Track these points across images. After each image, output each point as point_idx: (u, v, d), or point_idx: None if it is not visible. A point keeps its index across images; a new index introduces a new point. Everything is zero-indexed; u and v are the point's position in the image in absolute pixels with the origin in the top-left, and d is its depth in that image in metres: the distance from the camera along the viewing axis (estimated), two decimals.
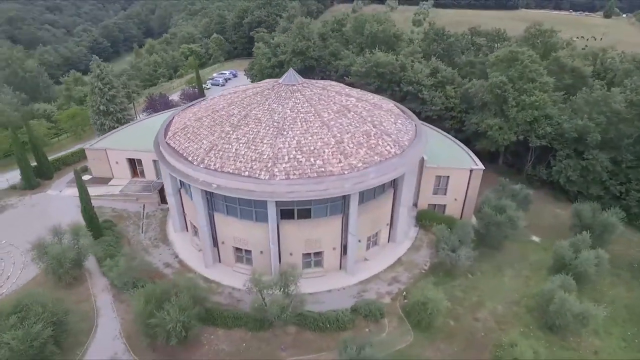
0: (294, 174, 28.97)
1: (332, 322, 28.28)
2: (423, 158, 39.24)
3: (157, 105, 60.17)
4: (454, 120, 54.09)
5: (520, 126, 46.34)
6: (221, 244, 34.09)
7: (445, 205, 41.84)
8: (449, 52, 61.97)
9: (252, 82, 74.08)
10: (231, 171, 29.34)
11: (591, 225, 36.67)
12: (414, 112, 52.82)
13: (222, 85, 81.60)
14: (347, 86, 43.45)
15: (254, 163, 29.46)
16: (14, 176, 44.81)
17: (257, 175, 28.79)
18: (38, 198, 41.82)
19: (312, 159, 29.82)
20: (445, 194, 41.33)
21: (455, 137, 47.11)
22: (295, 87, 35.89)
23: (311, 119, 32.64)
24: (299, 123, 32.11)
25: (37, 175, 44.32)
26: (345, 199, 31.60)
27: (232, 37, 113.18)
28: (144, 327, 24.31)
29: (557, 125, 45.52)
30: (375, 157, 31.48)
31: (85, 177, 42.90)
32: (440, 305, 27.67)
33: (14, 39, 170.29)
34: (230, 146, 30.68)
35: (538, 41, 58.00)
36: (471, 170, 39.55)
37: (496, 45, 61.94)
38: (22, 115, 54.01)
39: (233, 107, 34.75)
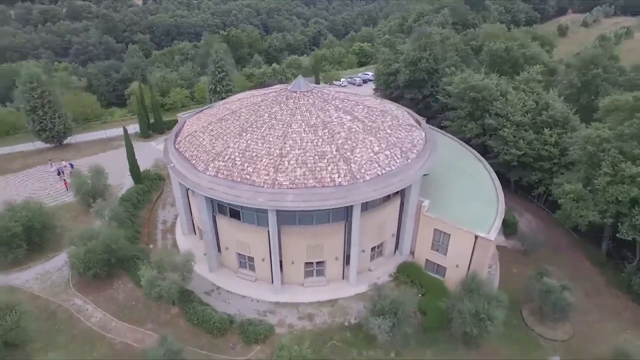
0: (294, 184, 28.74)
1: (207, 322, 28.85)
2: (420, 202, 33.19)
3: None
4: (542, 175, 41.54)
5: (610, 205, 32.21)
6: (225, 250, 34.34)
7: (445, 269, 34.12)
8: (589, 86, 46.24)
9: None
10: (235, 179, 29.43)
11: None
12: (493, 151, 43.85)
13: (358, 85, 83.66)
14: (359, 95, 39.99)
15: (255, 169, 29.70)
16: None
17: (260, 183, 28.97)
18: (142, 145, 54.90)
19: (312, 169, 29.56)
20: (445, 254, 33.70)
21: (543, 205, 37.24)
22: (298, 95, 35.64)
23: (316, 127, 32.23)
24: (304, 131, 31.81)
25: (153, 130, 58.16)
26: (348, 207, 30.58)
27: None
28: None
29: None
30: (377, 168, 30.32)
31: None
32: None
33: (266, 26, 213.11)
34: (234, 153, 30.96)
35: None
36: (476, 237, 30.92)
37: None
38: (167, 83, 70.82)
39: (238, 114, 35.22)
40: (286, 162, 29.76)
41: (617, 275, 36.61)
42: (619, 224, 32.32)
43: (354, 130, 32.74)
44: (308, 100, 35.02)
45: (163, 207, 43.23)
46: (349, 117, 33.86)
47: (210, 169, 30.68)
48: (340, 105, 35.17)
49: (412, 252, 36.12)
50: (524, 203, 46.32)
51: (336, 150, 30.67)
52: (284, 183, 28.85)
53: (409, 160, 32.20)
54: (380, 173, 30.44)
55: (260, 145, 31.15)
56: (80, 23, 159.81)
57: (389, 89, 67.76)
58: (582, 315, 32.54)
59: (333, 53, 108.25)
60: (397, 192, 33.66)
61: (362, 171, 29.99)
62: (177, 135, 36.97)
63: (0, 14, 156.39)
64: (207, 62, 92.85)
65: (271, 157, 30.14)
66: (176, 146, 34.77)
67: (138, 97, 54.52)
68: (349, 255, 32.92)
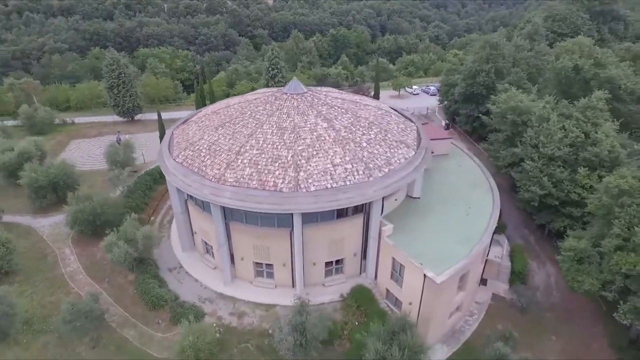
0: (238, 182, 29.06)
1: (147, 294, 31.42)
2: (382, 224, 30.81)
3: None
4: (570, 222, 34.20)
5: (617, 276, 25.19)
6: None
7: (402, 303, 31.03)
8: None
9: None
10: (193, 169, 30.65)
11: None
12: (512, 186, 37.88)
13: (431, 95, 78.56)
14: (361, 104, 37.49)
15: (212, 163, 30.67)
16: None
17: (210, 176, 29.77)
18: None
19: (261, 170, 29.54)
20: (401, 287, 30.60)
21: None
22: (287, 96, 35.66)
23: (284, 130, 31.96)
24: (271, 132, 31.81)
25: None
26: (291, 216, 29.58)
27: None
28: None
29: None
30: (328, 181, 29.06)
31: None
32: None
33: (384, 28, 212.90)
34: (204, 145, 32.26)
35: None
36: (425, 276, 27.40)
37: None
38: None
39: (229, 110, 36.28)
40: (239, 161, 30.34)
41: None
42: (620, 302, 24.98)
43: (322, 138, 31.61)
44: (293, 103, 34.84)
45: None
46: (325, 125, 32.74)
47: (180, 156, 33.00)
48: (324, 112, 34.16)
49: (375, 276, 33.50)
50: (552, 253, 38.49)
51: (291, 156, 30.10)
52: (229, 180, 29.52)
53: (370, 178, 29.83)
54: (329, 186, 28.96)
55: (226, 140, 32.27)
56: (214, 17, 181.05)
57: (448, 101, 62.45)
58: None
59: (423, 59, 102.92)
60: (361, 210, 31.64)
61: (309, 181, 28.91)
62: (183, 122, 40.34)
63: (156, 7, 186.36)
64: (292, 58, 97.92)
65: (229, 153, 31.04)
66: (174, 132, 38.06)
67: (196, 86, 60.46)
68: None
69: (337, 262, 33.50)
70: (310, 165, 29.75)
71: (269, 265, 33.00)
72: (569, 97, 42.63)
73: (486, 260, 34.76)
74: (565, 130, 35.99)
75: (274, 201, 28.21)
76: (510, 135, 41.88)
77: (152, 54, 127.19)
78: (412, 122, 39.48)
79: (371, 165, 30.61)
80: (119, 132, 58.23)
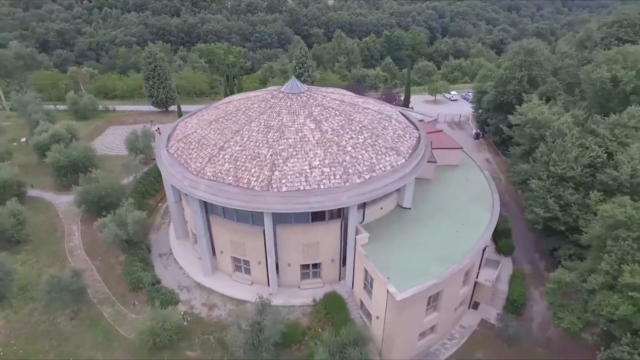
0: (215, 177, 29.56)
1: (129, 275, 33.33)
2: (358, 232, 29.95)
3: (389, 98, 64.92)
4: (576, 250, 30.70)
5: (600, 318, 22.17)
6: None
7: (371, 316, 29.85)
8: None
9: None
10: (181, 160, 31.81)
11: None
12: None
13: (470, 102, 74.29)
14: (360, 107, 36.23)
15: (197, 156, 31.55)
16: None
17: (192, 169, 30.73)
18: None
19: (238, 167, 29.86)
20: (371, 299, 29.40)
21: None
22: (283, 95, 35.55)
23: (270, 128, 32.03)
24: (257, 130, 31.98)
25: None
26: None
27: None
28: None
29: None
30: (302, 183, 28.65)
31: None
32: None
33: (445, 30, 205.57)
34: (195, 138, 33.12)
35: None
36: (387, 291, 26.13)
37: None
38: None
39: (229, 106, 36.74)
40: (221, 156, 30.88)
41: None
42: (601, 348, 21.85)
43: (306, 139, 31.18)
44: (287, 102, 34.71)
45: None
46: (312, 126, 32.24)
47: (173, 147, 34.33)
48: (315, 112, 33.63)
49: (353, 287, 32.46)
50: None
51: (270, 155, 30.05)
52: (208, 174, 30.14)
53: (347, 184, 28.90)
54: (302, 188, 28.51)
55: (214, 136, 32.98)
56: (272, 15, 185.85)
57: (480, 109, 58.68)
58: None
59: (473, 63, 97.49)
60: (339, 216, 30.81)
61: (283, 181, 28.67)
62: (190, 116, 41.79)
63: (219, 5, 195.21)
64: (333, 57, 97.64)
65: (214, 148, 31.70)
66: (178, 124, 39.58)
67: (225, 82, 62.50)
68: (277, 263, 32.10)
69: (315, 266, 32.92)
70: (287, 166, 29.48)
71: (246, 262, 33.27)
72: (606, 112, 38.12)
73: (475, 282, 32.31)
74: (584, 148, 32.26)
75: (244, 198, 28.36)
76: (527, 149, 38.39)
77: (207, 49, 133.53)
78: (417, 129, 37.62)
79: (350, 171, 29.64)
80: (151, 121, 61.89)
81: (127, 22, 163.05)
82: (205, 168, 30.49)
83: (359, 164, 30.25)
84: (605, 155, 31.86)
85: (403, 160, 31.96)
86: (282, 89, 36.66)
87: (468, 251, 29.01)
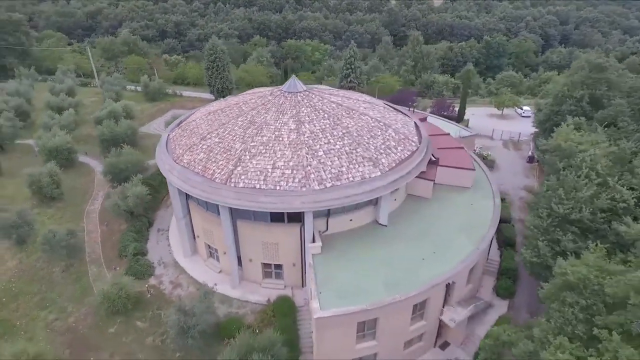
0: (188, 165, 30.94)
1: (120, 242, 36.90)
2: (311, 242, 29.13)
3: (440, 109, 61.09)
4: None
5: None
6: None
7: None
8: None
9: None
10: (170, 146, 34.05)
11: None
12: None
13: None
14: (360, 112, 33.86)
15: (183, 144, 33.12)
16: None
17: (174, 156, 32.30)
18: None
19: (209, 158, 30.88)
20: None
21: None
22: (281, 94, 35.62)
23: (252, 124, 32.56)
24: (239, 125, 32.66)
25: None
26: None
27: None
28: None
29: None
30: (260, 181, 28.44)
31: None
32: None
33: (565, 38, 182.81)
34: (190, 127, 35.10)
35: None
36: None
37: None
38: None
39: (233, 101, 37.86)
40: (200, 145, 32.28)
41: None
42: None
43: (280, 138, 30.98)
44: (279, 101, 34.75)
45: None
46: (292, 126, 31.86)
47: (173, 133, 36.92)
48: (302, 113, 33.11)
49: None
50: None
51: (240, 150, 30.50)
52: (184, 161, 31.77)
53: (303, 189, 27.96)
54: (258, 187, 28.42)
55: (205, 126, 34.56)
56: (371, 15, 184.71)
57: (537, 129, 51.23)
58: None
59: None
60: (298, 220, 29.98)
61: (242, 177, 28.91)
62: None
63: (321, 3, 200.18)
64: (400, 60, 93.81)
65: (198, 137, 33.25)
66: (194, 113, 42.21)
67: (281, 76, 64.41)
68: (239, 256, 32.60)
69: (277, 267, 32.61)
70: (251, 163, 29.62)
71: (215, 250, 34.36)
72: None
73: (440, 321, 28.74)
74: (606, 187, 26.33)
75: (204, 189, 29.30)
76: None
77: (296, 46, 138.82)
78: (419, 143, 34.54)
79: (312, 176, 28.60)
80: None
81: (234, 17, 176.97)
82: (184, 155, 32.19)
83: (324, 171, 29.03)
84: (634, 201, 25.64)
85: (378, 173, 29.73)
86: (282, 88, 36.75)
87: (422, 283, 26.05)
